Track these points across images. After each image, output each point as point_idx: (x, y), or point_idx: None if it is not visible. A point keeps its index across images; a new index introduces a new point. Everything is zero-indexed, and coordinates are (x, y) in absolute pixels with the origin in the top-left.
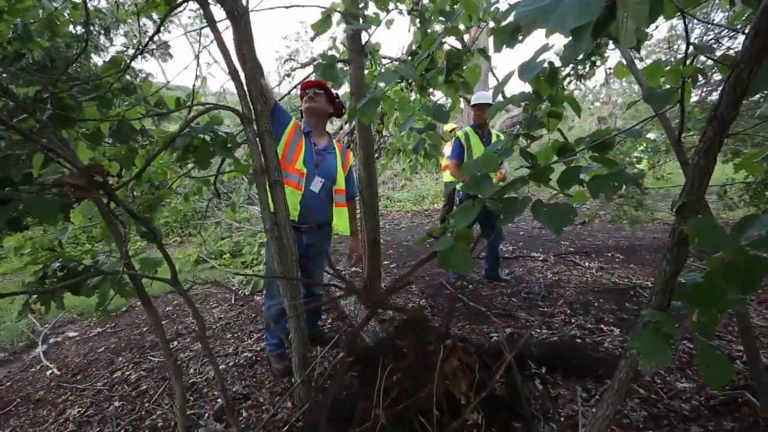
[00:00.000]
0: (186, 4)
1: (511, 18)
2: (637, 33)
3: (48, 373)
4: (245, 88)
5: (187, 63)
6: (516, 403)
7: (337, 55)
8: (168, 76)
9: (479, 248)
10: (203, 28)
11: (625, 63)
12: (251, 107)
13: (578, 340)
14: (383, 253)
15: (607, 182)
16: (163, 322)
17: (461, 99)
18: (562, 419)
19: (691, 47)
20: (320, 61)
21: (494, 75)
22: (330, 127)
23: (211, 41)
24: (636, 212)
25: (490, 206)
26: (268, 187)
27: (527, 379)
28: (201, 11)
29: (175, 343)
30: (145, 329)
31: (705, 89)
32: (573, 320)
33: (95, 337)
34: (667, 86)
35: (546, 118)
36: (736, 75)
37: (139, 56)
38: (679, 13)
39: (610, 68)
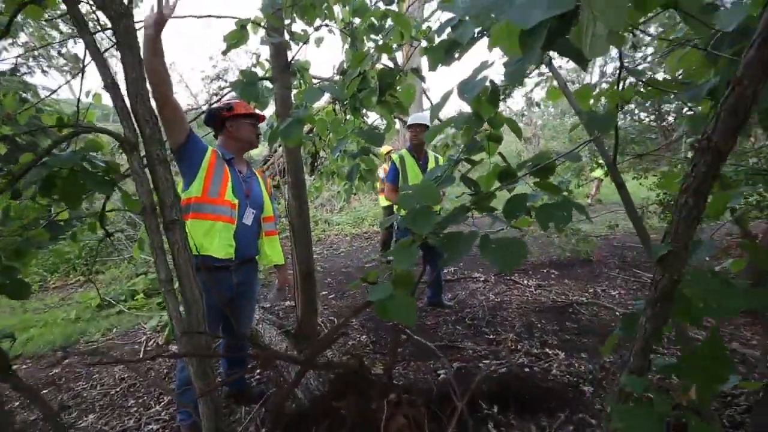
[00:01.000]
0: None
1: (445, 35)
2: (610, 39)
3: None
4: (128, 106)
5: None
6: None
7: (261, 73)
8: (84, 96)
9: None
10: (97, 32)
11: (557, 86)
12: (136, 129)
13: (527, 369)
14: (321, 281)
15: (555, 212)
16: (45, 391)
17: (396, 120)
18: None
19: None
20: (240, 78)
21: (428, 97)
22: (262, 150)
23: (111, 47)
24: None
25: (432, 242)
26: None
27: (480, 424)
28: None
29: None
30: (16, 404)
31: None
32: (519, 346)
33: None
34: (603, 109)
35: (486, 141)
36: (738, 94)
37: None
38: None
39: (529, 91)
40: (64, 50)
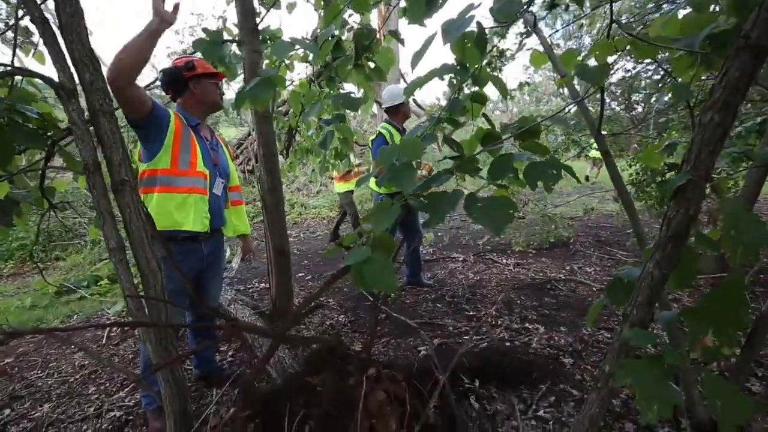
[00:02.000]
0: None
1: None
2: None
3: None
4: (62, 45)
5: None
6: (452, 430)
7: (228, 37)
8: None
9: (399, 252)
10: None
11: (542, 50)
12: (73, 73)
13: (507, 344)
14: (297, 264)
15: (544, 170)
16: None
17: (377, 104)
18: None
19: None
20: (203, 38)
21: (405, 81)
22: (236, 133)
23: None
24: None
25: (413, 204)
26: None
27: (462, 398)
28: None
29: (7, 411)
30: None
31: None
32: (500, 321)
33: None
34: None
35: (469, 102)
36: None
37: None
38: None
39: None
40: (11, 21)
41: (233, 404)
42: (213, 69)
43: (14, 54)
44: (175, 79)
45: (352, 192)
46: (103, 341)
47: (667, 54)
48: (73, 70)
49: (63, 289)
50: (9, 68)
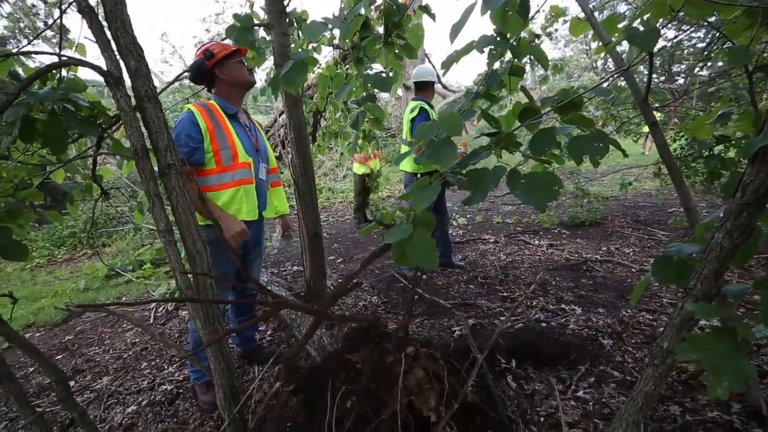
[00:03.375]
0: None
1: None
2: None
3: None
4: (108, 34)
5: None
6: (491, 408)
7: (256, 21)
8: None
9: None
10: None
11: (583, 16)
12: (119, 61)
13: (543, 324)
14: (328, 248)
15: (590, 144)
16: (59, 357)
17: (402, 87)
18: (542, 419)
19: None
20: (235, 23)
21: (430, 62)
22: (263, 119)
23: None
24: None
25: (453, 182)
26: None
27: (498, 377)
28: None
29: (72, 383)
30: (31, 369)
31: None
32: (535, 302)
33: None
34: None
35: (507, 75)
36: None
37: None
38: None
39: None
40: (50, 21)
41: (276, 380)
42: (232, 48)
43: (60, 47)
44: (201, 71)
45: (369, 175)
46: (151, 320)
47: (718, 16)
48: (118, 57)
49: (112, 273)
50: (63, 58)
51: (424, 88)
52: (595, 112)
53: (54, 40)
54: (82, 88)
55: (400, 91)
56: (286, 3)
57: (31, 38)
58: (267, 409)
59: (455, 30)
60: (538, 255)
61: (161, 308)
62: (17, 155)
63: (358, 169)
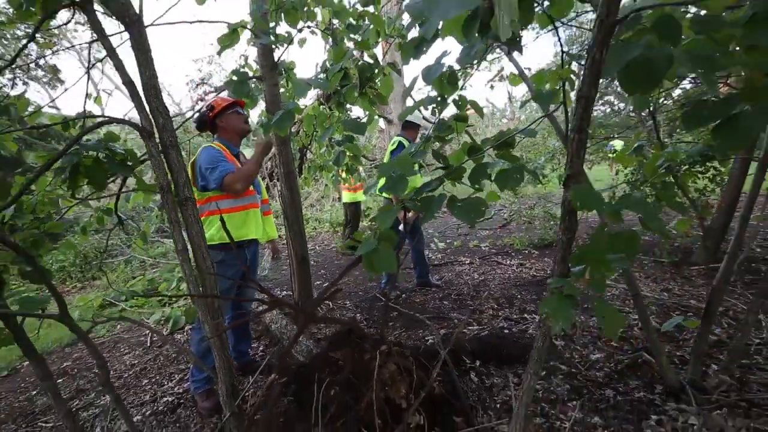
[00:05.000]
0: (70, 16)
1: (415, 32)
2: (512, 25)
3: None
4: (143, 99)
5: (80, 89)
6: (455, 398)
7: (250, 73)
8: (59, 105)
9: (408, 259)
10: (94, 41)
11: (517, 72)
12: (151, 120)
13: (506, 331)
14: (315, 273)
15: (510, 176)
16: (59, 381)
17: (384, 121)
18: (498, 406)
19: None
20: (232, 77)
21: (412, 97)
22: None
23: (105, 57)
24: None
25: (409, 206)
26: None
27: (463, 374)
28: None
29: (76, 401)
30: (34, 392)
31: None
32: (500, 313)
33: None
34: (552, 87)
35: (453, 122)
36: (591, 58)
37: (18, 81)
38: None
39: (510, 92)
40: (42, 62)
41: (269, 377)
42: (230, 101)
43: (85, 102)
44: (204, 122)
45: (359, 203)
46: (148, 344)
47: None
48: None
49: (105, 303)
50: (106, 117)
51: (409, 128)
52: (556, 142)
53: (44, 79)
54: (117, 138)
55: (382, 124)
56: (277, 59)
57: (25, 78)
58: (261, 403)
59: (407, 92)
60: (508, 273)
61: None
62: (41, 192)
63: (346, 197)
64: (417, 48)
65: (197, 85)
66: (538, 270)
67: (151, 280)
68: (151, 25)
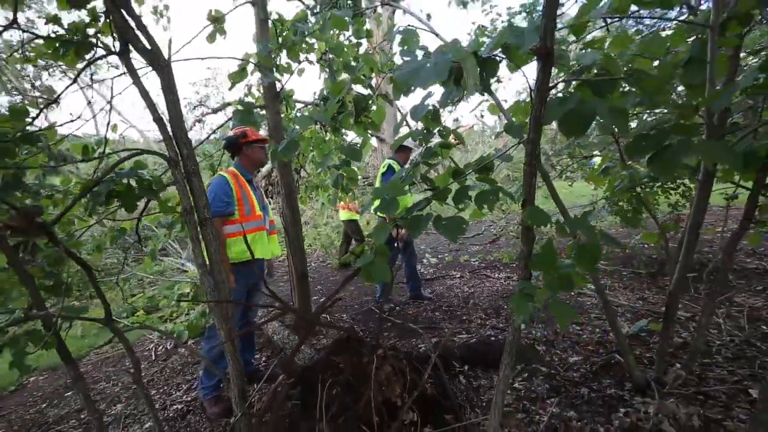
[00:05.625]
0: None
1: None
2: (475, 87)
3: None
4: (170, 133)
5: (77, 111)
6: (445, 398)
7: (253, 101)
8: (54, 124)
9: (401, 274)
10: (118, 76)
11: (495, 103)
12: (177, 151)
13: (492, 338)
14: (312, 288)
15: (487, 197)
16: (68, 394)
17: (376, 139)
18: (484, 404)
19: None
20: (239, 107)
21: (407, 123)
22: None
23: (124, 89)
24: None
25: (400, 224)
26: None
27: (453, 377)
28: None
29: (85, 413)
30: (44, 405)
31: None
32: (487, 323)
33: None
34: (521, 121)
35: (439, 148)
36: (533, 113)
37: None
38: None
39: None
40: (38, 83)
41: (276, 381)
42: (261, 136)
43: (107, 131)
44: (233, 144)
45: (356, 221)
46: (153, 357)
47: None
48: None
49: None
50: (138, 150)
51: (401, 151)
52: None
53: (40, 100)
54: (145, 166)
55: (375, 142)
56: (279, 89)
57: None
58: (269, 404)
59: (396, 127)
60: (496, 286)
61: (160, 347)
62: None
63: (345, 215)
64: (406, 90)
65: (194, 107)
66: None
67: (151, 297)
68: (174, 60)
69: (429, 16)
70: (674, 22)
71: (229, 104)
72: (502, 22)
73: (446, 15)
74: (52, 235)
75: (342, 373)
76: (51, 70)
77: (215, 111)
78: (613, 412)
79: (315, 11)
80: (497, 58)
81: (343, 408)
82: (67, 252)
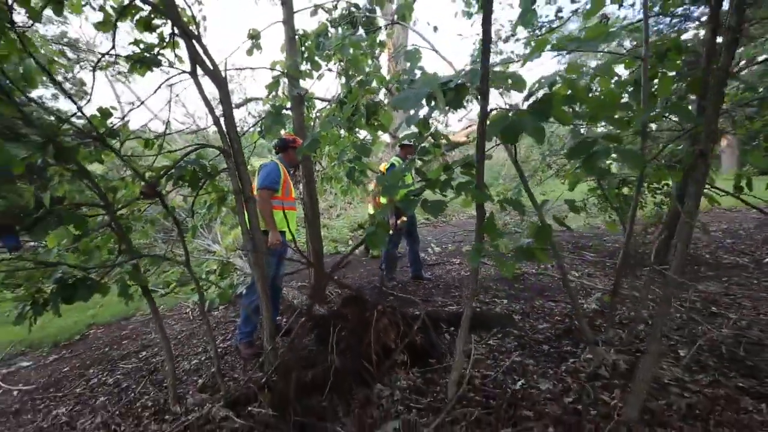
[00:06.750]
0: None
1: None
2: (442, 107)
3: (15, 393)
4: (225, 131)
5: (100, 101)
6: (432, 348)
7: (280, 103)
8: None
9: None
10: (171, 79)
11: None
12: (230, 145)
13: (477, 309)
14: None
15: (465, 186)
16: (124, 342)
17: (389, 136)
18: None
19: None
20: (270, 110)
21: (401, 124)
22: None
23: (180, 92)
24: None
25: (398, 205)
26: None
27: (440, 334)
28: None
29: (144, 353)
30: (106, 349)
31: None
32: (476, 298)
33: (53, 362)
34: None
35: (432, 147)
36: (479, 131)
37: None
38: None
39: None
40: (69, 75)
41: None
42: (300, 143)
43: (166, 132)
44: (285, 145)
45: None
46: (191, 317)
47: None
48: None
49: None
50: (197, 145)
51: (403, 147)
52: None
53: (72, 91)
54: (205, 157)
55: (387, 138)
56: (303, 93)
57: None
58: (293, 340)
59: (397, 129)
60: (490, 271)
61: (195, 310)
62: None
63: (371, 209)
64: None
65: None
66: (516, 268)
67: (182, 272)
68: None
69: (435, 29)
70: (612, 54)
71: (250, 100)
72: (507, 32)
73: (453, 25)
74: (162, 198)
75: (349, 323)
76: (82, 63)
77: (238, 106)
78: (563, 362)
79: (335, 24)
80: (467, 84)
81: (349, 347)
82: (166, 209)
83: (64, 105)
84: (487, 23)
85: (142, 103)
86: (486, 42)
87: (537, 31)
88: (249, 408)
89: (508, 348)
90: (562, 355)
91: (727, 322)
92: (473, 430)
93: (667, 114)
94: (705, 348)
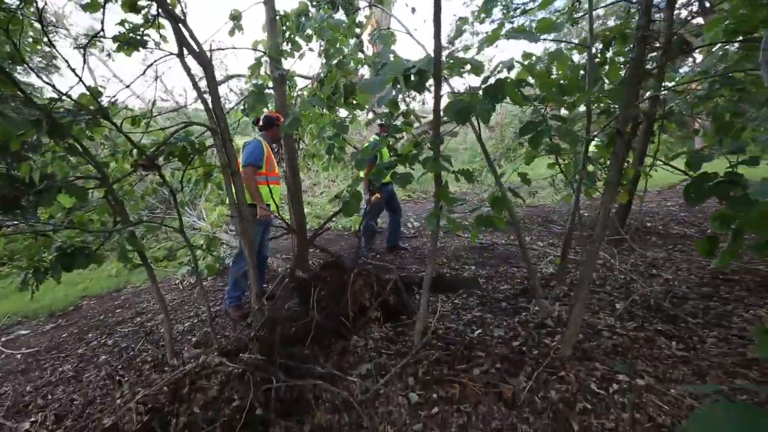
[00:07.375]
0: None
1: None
2: (405, 89)
3: (18, 356)
4: (213, 112)
5: (74, 77)
6: (403, 307)
7: (262, 82)
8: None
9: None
10: (159, 60)
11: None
12: (217, 123)
13: (447, 274)
14: None
15: (430, 161)
16: (118, 311)
17: (372, 113)
18: (430, 311)
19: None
20: (253, 90)
21: (373, 104)
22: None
23: (164, 72)
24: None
25: (371, 178)
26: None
27: (411, 296)
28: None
29: (139, 318)
30: (101, 317)
31: None
32: (447, 266)
33: (50, 330)
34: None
35: (403, 125)
36: (434, 114)
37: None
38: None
39: None
40: (39, 48)
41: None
42: (283, 121)
43: (152, 111)
44: (270, 122)
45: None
46: (181, 288)
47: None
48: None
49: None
50: (185, 123)
51: (383, 126)
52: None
53: (41, 65)
54: (192, 134)
55: (371, 115)
56: (285, 72)
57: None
58: (277, 300)
59: (372, 105)
60: (463, 243)
61: (185, 282)
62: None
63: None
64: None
65: (200, 78)
66: (488, 240)
67: (170, 247)
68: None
69: (414, 10)
70: (562, 42)
71: (232, 77)
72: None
73: (432, 7)
74: (159, 169)
75: (328, 285)
76: (52, 36)
77: (220, 83)
78: (516, 315)
79: (315, 4)
80: (427, 71)
81: (328, 306)
82: (163, 180)
83: (38, 81)
84: (437, 21)
85: (132, 83)
86: (437, 35)
87: (512, 13)
88: (240, 356)
89: (470, 305)
90: (517, 310)
91: (660, 280)
92: (434, 368)
93: (606, 96)
94: (638, 301)
